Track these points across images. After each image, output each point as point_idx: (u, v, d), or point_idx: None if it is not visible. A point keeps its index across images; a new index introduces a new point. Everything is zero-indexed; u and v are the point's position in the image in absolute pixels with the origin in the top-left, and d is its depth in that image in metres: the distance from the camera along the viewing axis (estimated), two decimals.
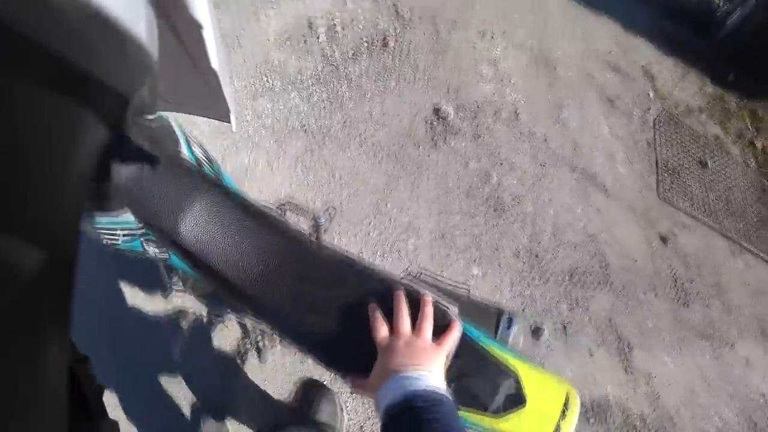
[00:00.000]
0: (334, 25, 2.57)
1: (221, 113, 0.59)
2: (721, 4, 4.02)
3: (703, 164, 3.03)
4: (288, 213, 1.38)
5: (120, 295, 1.55)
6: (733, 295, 2.45)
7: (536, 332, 1.82)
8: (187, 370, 1.48)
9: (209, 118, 0.63)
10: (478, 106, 2.37)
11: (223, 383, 1.48)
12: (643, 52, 3.53)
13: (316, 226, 1.33)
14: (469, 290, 0.99)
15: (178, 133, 0.89)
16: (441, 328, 0.65)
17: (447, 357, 0.65)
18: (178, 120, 0.93)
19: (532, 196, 2.17)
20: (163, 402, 1.45)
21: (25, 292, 0.17)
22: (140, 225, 0.76)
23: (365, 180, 1.86)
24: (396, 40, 2.53)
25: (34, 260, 0.17)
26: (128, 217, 0.75)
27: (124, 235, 0.81)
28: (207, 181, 0.79)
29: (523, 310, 1.84)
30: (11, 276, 0.16)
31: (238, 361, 1.52)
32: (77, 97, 0.18)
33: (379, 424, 0.56)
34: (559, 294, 1.97)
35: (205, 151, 0.98)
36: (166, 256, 0.86)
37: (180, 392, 1.47)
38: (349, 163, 1.90)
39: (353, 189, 1.83)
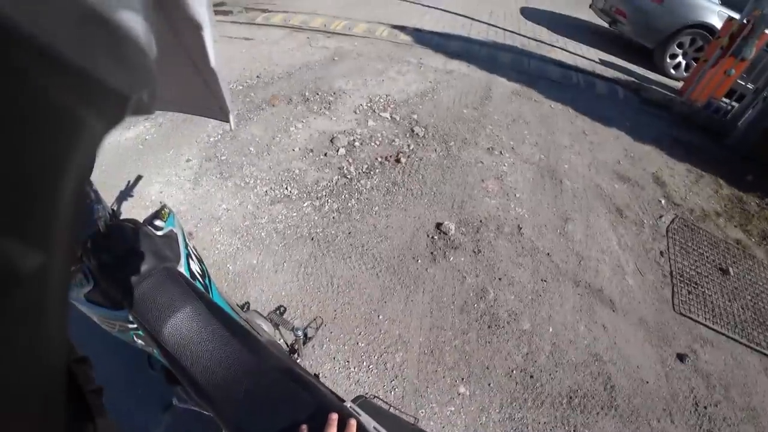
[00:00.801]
0: (354, 141, 2.92)
1: (220, 113, 0.61)
2: (729, 107, 4.12)
3: (725, 271, 2.91)
4: (272, 322, 1.51)
5: None
6: None
7: None
8: None
9: (208, 117, 0.66)
10: (481, 221, 2.51)
11: None
12: (653, 159, 3.63)
13: (296, 339, 1.44)
14: (416, 420, 1.04)
15: (182, 247, 1.07)
16: None
17: None
18: (183, 230, 1.12)
19: (530, 312, 2.19)
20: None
21: (22, 292, 0.17)
22: (134, 322, 0.93)
23: (361, 290, 2.00)
24: (408, 157, 2.82)
25: (31, 260, 0.17)
26: (126, 313, 0.92)
27: (119, 328, 0.98)
28: (193, 295, 0.95)
29: None
30: (8, 276, 0.16)
31: None
32: (75, 97, 0.18)
33: None
34: (554, 419, 1.89)
35: (201, 266, 1.17)
36: (151, 350, 1.01)
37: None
38: (348, 272, 2.05)
39: (348, 298, 1.96)
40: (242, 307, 1.66)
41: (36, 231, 0.18)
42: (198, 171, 2.63)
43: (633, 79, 4.79)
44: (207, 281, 1.17)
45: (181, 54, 0.45)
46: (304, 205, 2.38)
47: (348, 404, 0.85)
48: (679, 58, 5.04)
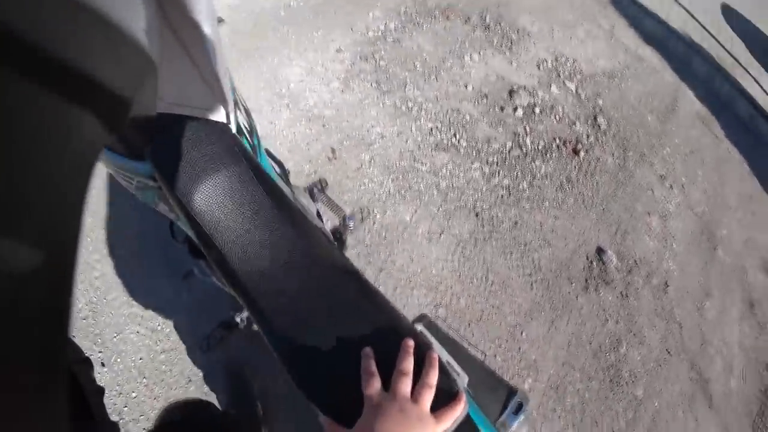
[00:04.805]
0: (534, 105, 2.47)
1: (221, 114, 0.58)
2: None
3: None
4: (318, 202, 1.26)
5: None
6: None
7: None
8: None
9: (208, 118, 0.61)
10: (635, 261, 2.23)
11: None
12: None
13: (344, 227, 1.21)
14: (485, 356, 0.87)
15: (226, 90, 0.80)
16: (444, 398, 0.56)
17: None
18: (231, 77, 0.88)
19: (647, 380, 2.03)
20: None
21: (23, 294, 0.17)
22: (156, 179, 0.68)
23: (513, 297, 1.78)
24: (586, 152, 2.41)
25: (33, 261, 0.17)
26: (147, 166, 0.67)
27: (138, 184, 0.74)
28: (239, 153, 0.70)
29: None
30: (9, 278, 0.16)
31: (225, 332, 1.50)
32: (76, 100, 0.18)
33: None
34: None
35: (249, 120, 0.91)
36: (174, 217, 0.77)
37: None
38: (506, 271, 1.82)
39: (499, 301, 1.75)
40: (319, 186, 1.33)
41: (37, 233, 0.17)
42: (350, 69, 2.21)
43: None
44: (255, 141, 0.91)
45: (184, 55, 0.42)
46: (473, 166, 2.04)
47: (419, 328, 0.66)
48: None
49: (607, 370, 1.91)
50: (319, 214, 1.23)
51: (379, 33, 2.44)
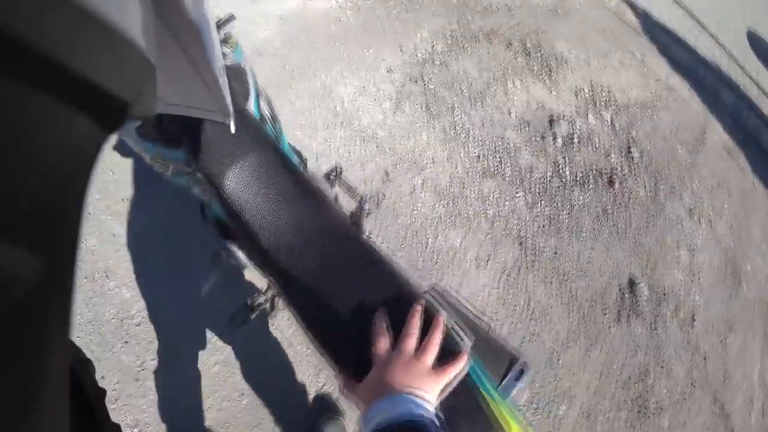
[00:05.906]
0: (573, 135, 2.54)
1: (219, 115, 0.60)
2: None
3: None
4: (336, 186, 1.32)
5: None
6: None
7: None
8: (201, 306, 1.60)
9: (208, 119, 0.63)
10: (664, 294, 2.29)
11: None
12: None
13: (360, 209, 1.27)
14: (490, 326, 0.91)
15: (251, 83, 0.89)
16: (447, 357, 0.62)
17: (444, 389, 0.61)
18: (253, 70, 0.94)
19: (672, 412, 2.10)
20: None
21: (23, 296, 0.17)
22: (191, 164, 0.76)
23: (552, 324, 1.86)
24: (620, 183, 2.48)
25: (33, 264, 0.17)
26: (182, 153, 0.77)
27: (173, 170, 0.83)
28: (263, 140, 0.79)
29: None
30: (9, 279, 0.16)
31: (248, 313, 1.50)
32: (74, 103, 0.18)
33: None
34: None
35: (271, 109, 0.99)
36: (206, 200, 0.87)
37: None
38: (546, 299, 1.89)
39: (539, 328, 1.83)
40: (335, 172, 1.39)
41: (34, 237, 0.17)
42: (400, 90, 2.28)
43: None
44: (277, 129, 0.99)
45: (181, 56, 0.42)
46: (517, 194, 2.11)
47: (428, 295, 0.72)
48: None
49: (636, 400, 1.98)
50: (336, 199, 1.29)
51: (427, 55, 2.51)
